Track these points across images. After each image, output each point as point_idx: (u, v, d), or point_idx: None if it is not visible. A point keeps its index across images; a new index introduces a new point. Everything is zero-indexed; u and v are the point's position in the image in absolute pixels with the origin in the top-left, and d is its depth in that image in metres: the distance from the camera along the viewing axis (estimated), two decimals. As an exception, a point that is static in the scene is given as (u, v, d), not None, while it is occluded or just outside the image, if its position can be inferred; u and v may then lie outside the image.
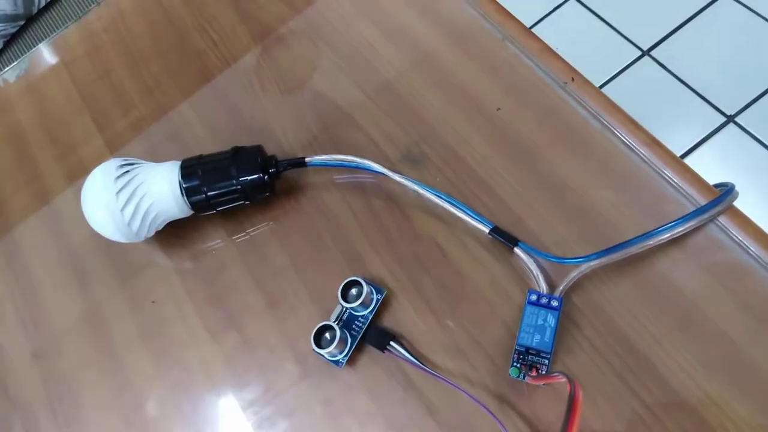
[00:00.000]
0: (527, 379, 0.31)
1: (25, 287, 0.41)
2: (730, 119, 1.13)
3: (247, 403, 0.34)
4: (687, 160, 1.11)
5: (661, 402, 0.30)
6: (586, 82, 0.38)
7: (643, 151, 0.35)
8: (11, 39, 0.87)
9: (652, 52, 1.24)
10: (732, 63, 1.18)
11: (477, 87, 0.40)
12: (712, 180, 0.35)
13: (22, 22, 0.86)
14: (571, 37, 1.30)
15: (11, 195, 0.44)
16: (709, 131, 1.13)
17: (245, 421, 0.34)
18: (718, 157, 1.11)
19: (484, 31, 0.41)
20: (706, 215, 0.32)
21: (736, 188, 0.33)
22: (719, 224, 0.33)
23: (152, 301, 0.38)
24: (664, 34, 1.25)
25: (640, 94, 1.21)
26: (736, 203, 0.33)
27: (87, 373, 0.37)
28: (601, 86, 1.23)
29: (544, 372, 0.31)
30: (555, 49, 0.40)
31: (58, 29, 0.50)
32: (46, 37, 0.50)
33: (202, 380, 0.35)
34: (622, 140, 0.36)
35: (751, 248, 0.32)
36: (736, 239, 0.32)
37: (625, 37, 1.27)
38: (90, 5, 0.51)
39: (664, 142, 0.36)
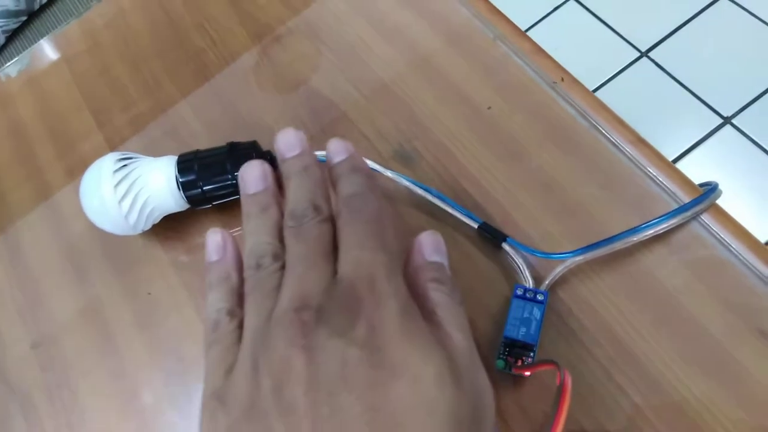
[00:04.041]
0: (513, 370, 0.31)
1: (24, 279, 0.41)
2: (727, 121, 1.14)
3: (240, 393, 0.35)
4: (683, 161, 1.12)
5: (644, 394, 0.31)
6: (575, 82, 0.39)
7: (629, 150, 0.36)
8: (13, 35, 0.88)
9: (651, 54, 1.24)
10: (729, 65, 1.19)
11: (469, 85, 0.40)
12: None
13: (24, 18, 0.87)
14: (570, 38, 1.31)
15: (12, 188, 0.45)
16: (706, 132, 1.14)
17: (238, 409, 0.35)
18: (715, 159, 1.12)
19: (477, 31, 0.42)
20: (689, 212, 0.33)
21: (720, 187, 0.34)
22: (702, 222, 0.34)
23: (148, 293, 0.39)
24: (663, 36, 1.25)
25: (638, 95, 1.22)
26: (725, 202, 0.34)
27: (84, 362, 0.38)
28: (600, 87, 1.23)
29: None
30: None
31: (59, 26, 0.51)
32: (47, 34, 0.51)
33: (197, 369, 0.36)
34: (609, 139, 0.37)
35: (732, 245, 0.33)
36: (718, 236, 0.33)
37: (624, 39, 1.28)
38: (91, 2, 0.52)
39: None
